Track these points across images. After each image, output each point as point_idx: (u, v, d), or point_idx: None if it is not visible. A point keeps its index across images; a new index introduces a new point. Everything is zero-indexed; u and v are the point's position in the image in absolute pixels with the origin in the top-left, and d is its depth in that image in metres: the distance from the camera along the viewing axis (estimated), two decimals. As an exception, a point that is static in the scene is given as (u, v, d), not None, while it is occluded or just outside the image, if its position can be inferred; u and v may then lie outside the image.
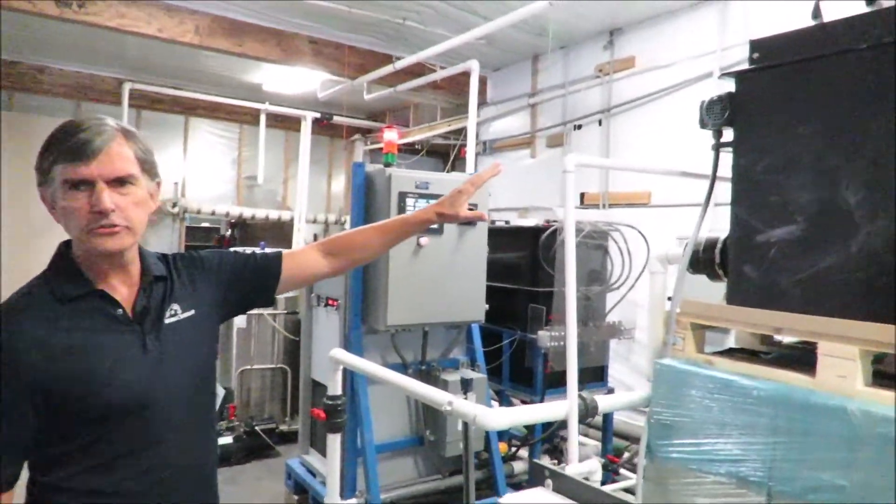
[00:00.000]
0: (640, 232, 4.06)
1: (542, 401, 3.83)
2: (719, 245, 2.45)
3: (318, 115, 8.85)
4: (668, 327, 2.41)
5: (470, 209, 1.88)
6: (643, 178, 5.38)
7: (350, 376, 3.40)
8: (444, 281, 3.55)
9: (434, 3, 5.29)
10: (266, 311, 5.53)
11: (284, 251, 1.72)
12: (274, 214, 8.91)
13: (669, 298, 2.38)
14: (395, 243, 1.87)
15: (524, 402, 4.64)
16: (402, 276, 3.41)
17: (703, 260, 2.49)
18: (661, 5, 5.13)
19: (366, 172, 3.57)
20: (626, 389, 4.92)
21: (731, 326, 2.33)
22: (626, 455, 4.01)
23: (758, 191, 2.23)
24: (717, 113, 2.40)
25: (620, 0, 5.08)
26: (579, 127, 5.98)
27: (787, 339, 2.15)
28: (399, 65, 5.80)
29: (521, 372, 3.99)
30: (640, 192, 5.38)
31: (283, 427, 5.49)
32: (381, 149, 4.41)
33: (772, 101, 2.22)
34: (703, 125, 2.50)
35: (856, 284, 1.95)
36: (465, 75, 7.01)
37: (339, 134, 9.84)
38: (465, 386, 3.30)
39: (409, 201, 3.43)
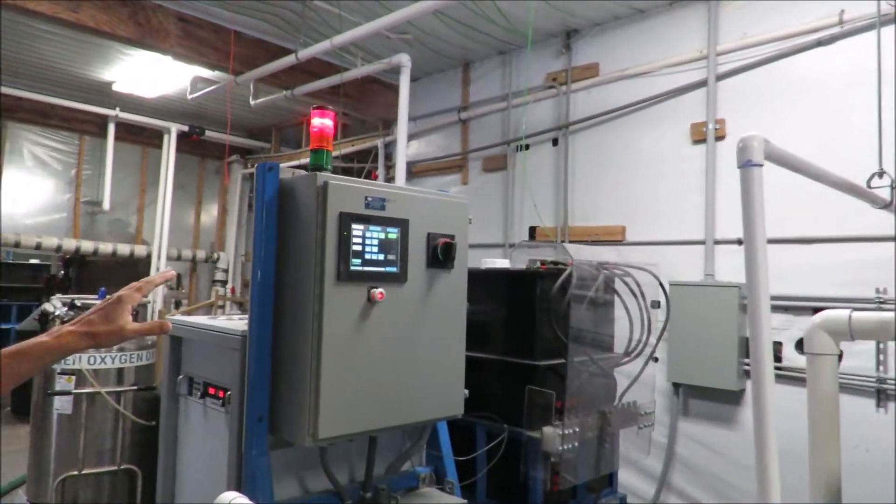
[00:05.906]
0: (655, 277, 2.97)
1: (546, 534, 2.56)
2: None
3: (185, 128, 7.22)
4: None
5: None
6: (611, 209, 4.40)
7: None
8: (408, 358, 2.21)
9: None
10: (105, 388, 3.81)
11: None
12: (124, 249, 7.04)
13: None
14: None
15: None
16: (343, 355, 2.03)
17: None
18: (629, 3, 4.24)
19: (281, 181, 2.16)
20: (639, 499, 3.78)
21: None
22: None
23: None
24: None
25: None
26: (526, 147, 4.91)
27: None
28: (303, 54, 4.42)
29: (503, 482, 2.69)
30: (610, 225, 4.37)
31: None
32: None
33: None
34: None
35: None
36: (374, 84, 5.79)
37: (212, 154, 8.16)
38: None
39: (357, 230, 2.08)
